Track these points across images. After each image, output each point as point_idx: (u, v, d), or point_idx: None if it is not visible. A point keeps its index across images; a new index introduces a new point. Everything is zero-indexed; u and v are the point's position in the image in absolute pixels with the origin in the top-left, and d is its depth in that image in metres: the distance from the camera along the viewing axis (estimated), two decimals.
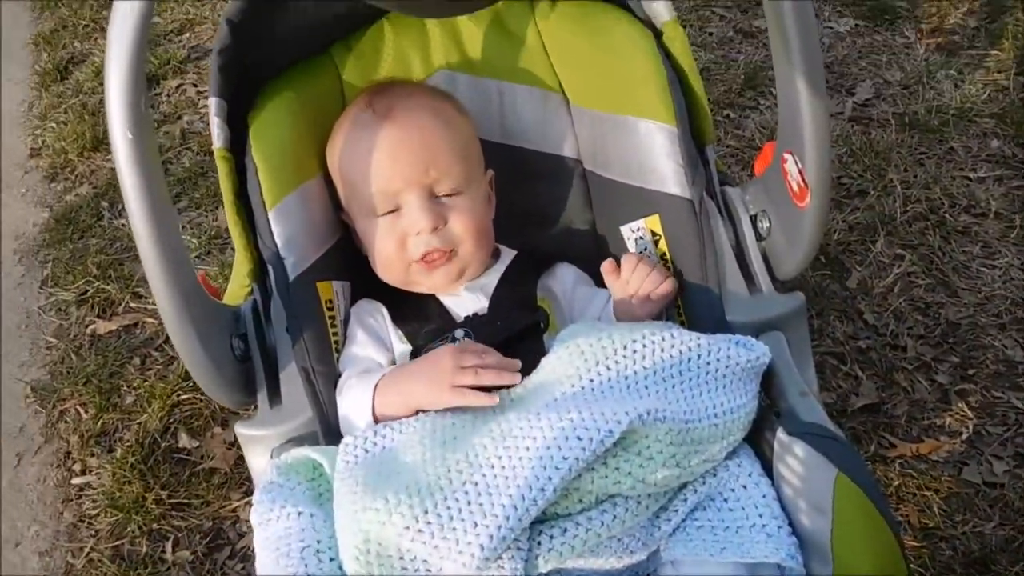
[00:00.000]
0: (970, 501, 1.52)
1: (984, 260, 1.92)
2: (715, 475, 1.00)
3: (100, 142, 2.49)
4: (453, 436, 0.97)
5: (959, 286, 1.87)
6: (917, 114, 2.27)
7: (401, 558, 0.90)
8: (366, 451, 1.00)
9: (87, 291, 2.08)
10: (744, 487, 0.99)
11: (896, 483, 1.55)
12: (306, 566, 0.92)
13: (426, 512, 0.88)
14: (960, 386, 1.70)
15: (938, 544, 1.47)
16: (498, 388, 1.02)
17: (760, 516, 0.96)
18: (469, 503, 0.88)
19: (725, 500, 0.99)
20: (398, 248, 1.18)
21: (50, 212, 2.36)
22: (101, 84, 2.69)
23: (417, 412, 1.04)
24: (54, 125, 2.61)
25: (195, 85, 2.66)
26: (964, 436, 1.62)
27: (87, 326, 2.01)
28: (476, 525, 0.86)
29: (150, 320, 1.99)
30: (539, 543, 0.90)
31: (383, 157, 1.17)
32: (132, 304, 2.04)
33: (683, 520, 0.99)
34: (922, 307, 1.84)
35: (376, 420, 1.06)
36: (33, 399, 1.89)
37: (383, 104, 1.20)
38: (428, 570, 0.90)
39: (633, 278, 1.16)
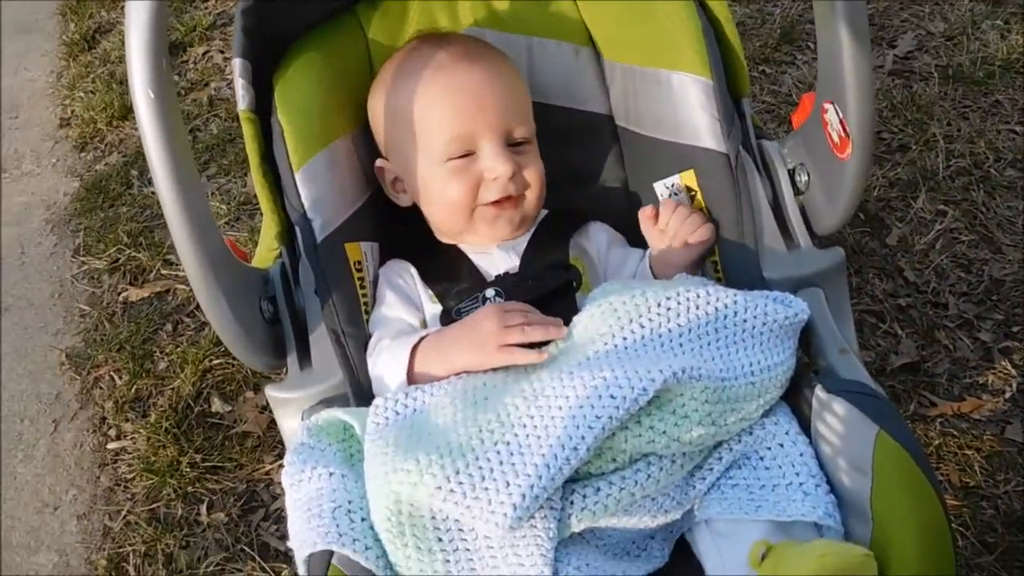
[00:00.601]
0: (1013, 460, 1.49)
1: None
2: (751, 433, 0.98)
3: (128, 111, 2.50)
4: (484, 396, 0.96)
5: (1003, 242, 1.81)
6: (961, 66, 2.19)
7: (433, 518, 0.90)
8: (397, 413, 0.99)
9: (119, 259, 2.10)
10: (781, 445, 0.97)
11: (936, 442, 1.52)
12: (338, 526, 0.92)
13: (457, 472, 0.87)
14: (1004, 344, 1.66)
15: (979, 503, 1.44)
16: (545, 344, 1.00)
17: (797, 474, 0.95)
18: (501, 463, 0.87)
19: (761, 458, 0.97)
20: (468, 192, 1.16)
21: (80, 181, 2.37)
22: None
23: (455, 375, 1.03)
24: (82, 95, 2.62)
25: (221, 51, 2.65)
26: (1007, 394, 1.58)
27: (119, 293, 2.03)
28: (508, 485, 0.85)
29: (181, 287, 2.00)
30: (572, 502, 0.90)
31: (467, 100, 1.15)
32: (163, 271, 2.05)
33: (718, 479, 0.97)
34: (965, 264, 1.79)
35: (410, 382, 1.05)
36: (68, 366, 1.92)
37: (457, 47, 1.19)
38: (460, 530, 0.90)
39: (672, 221, 1.15)
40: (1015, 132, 2.03)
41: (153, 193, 2.24)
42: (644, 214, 1.18)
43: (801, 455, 0.96)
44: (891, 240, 1.85)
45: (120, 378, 1.85)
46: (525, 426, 0.89)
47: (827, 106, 1.05)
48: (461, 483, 0.87)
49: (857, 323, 1.67)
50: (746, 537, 0.90)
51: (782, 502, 0.93)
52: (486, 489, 0.86)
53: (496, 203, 1.16)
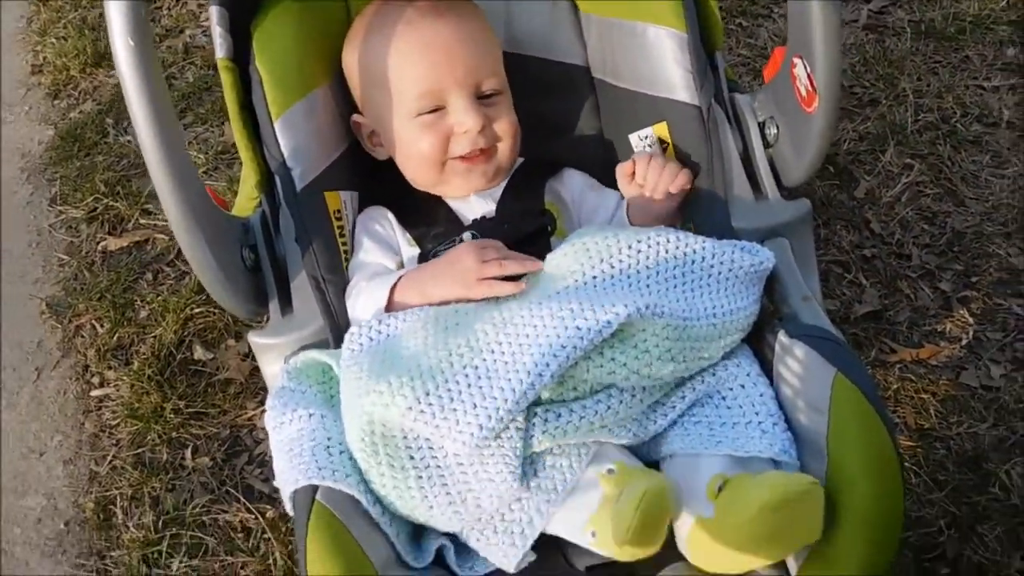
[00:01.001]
0: (966, 403, 1.56)
1: (993, 169, 1.91)
2: (714, 374, 1.03)
3: (102, 57, 2.46)
4: (456, 322, 1.00)
5: (967, 195, 1.87)
6: (934, 21, 2.22)
7: (404, 437, 0.95)
8: (371, 339, 1.03)
9: (96, 208, 2.09)
10: (742, 386, 1.02)
11: (895, 387, 1.59)
12: (317, 461, 0.97)
13: (427, 394, 0.92)
14: (962, 293, 1.73)
15: (933, 444, 1.52)
16: (521, 277, 1.05)
17: (756, 414, 1.00)
18: (469, 386, 0.92)
19: (723, 398, 1.02)
20: (439, 146, 1.18)
21: (55, 130, 2.35)
22: None
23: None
24: (54, 41, 2.57)
25: None
26: (964, 342, 1.65)
27: (98, 243, 2.04)
28: (475, 407, 0.90)
29: (160, 236, 2.01)
30: (534, 424, 0.94)
31: (435, 56, 1.16)
32: (142, 221, 2.05)
33: (681, 416, 1.02)
34: (929, 216, 1.85)
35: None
36: (49, 315, 1.93)
37: (425, 3, 1.19)
38: (431, 448, 0.95)
39: (649, 175, 1.17)
40: (982, 88, 2.07)
41: (129, 142, 2.23)
42: (621, 171, 1.21)
43: (761, 396, 1.01)
44: (859, 193, 1.89)
45: (101, 326, 1.87)
46: (493, 352, 0.94)
47: (796, 60, 1.08)
48: (431, 404, 0.92)
49: (824, 273, 1.73)
50: (706, 471, 0.95)
51: (740, 439, 0.98)
52: (454, 410, 0.91)
53: (466, 157, 1.18)
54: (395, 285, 1.10)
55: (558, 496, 0.94)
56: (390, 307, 1.09)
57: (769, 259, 1.09)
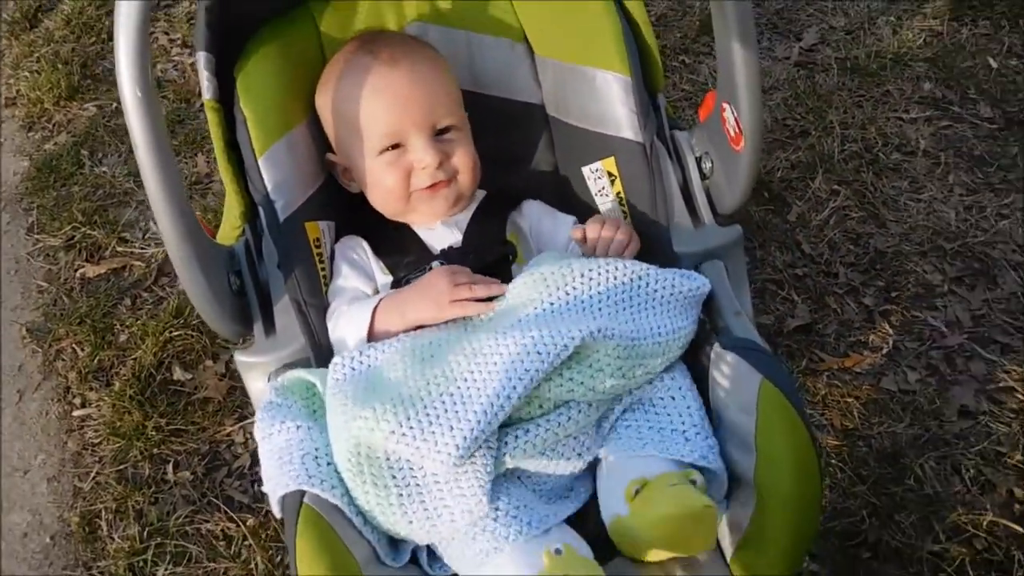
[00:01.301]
0: (886, 406, 1.72)
1: (911, 194, 2.10)
2: (650, 382, 1.15)
3: (75, 91, 2.54)
4: (431, 354, 1.11)
5: (888, 218, 2.04)
6: (858, 58, 2.41)
7: (388, 459, 1.04)
8: (353, 369, 1.12)
9: (74, 236, 2.17)
10: (672, 398, 1.14)
11: (823, 392, 1.74)
12: (307, 469, 1.05)
13: (408, 419, 1.02)
14: (884, 307, 1.89)
15: (856, 443, 1.66)
16: (491, 299, 1.16)
17: (683, 423, 1.12)
18: (446, 411, 1.02)
19: (654, 406, 1.14)
20: (402, 180, 1.29)
21: (30, 161, 2.41)
22: (72, 32, 2.75)
23: (412, 329, 1.17)
24: (27, 74, 2.63)
25: (166, 33, 2.70)
26: (884, 351, 1.81)
27: (76, 270, 2.11)
28: (452, 428, 1.00)
29: (137, 263, 2.09)
30: (506, 443, 1.05)
31: (392, 101, 1.27)
32: (119, 248, 2.13)
33: (616, 421, 1.14)
34: (854, 237, 2.02)
35: (371, 336, 1.19)
36: (29, 339, 2.00)
37: (385, 51, 1.30)
38: (411, 468, 1.04)
39: (600, 245, 1.25)
40: (902, 119, 2.26)
41: (105, 172, 2.31)
42: (575, 234, 1.28)
43: (688, 408, 1.13)
44: (791, 216, 2.06)
45: (82, 350, 1.94)
46: (466, 379, 1.04)
47: (725, 105, 1.22)
48: (412, 428, 1.01)
49: (759, 291, 1.89)
50: (627, 473, 1.07)
51: (666, 442, 1.10)
52: (433, 432, 1.00)
53: (430, 187, 1.30)
54: (376, 308, 1.20)
55: (506, 545, 1.01)
56: (372, 327, 1.19)
57: (705, 284, 1.21)
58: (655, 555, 1.06)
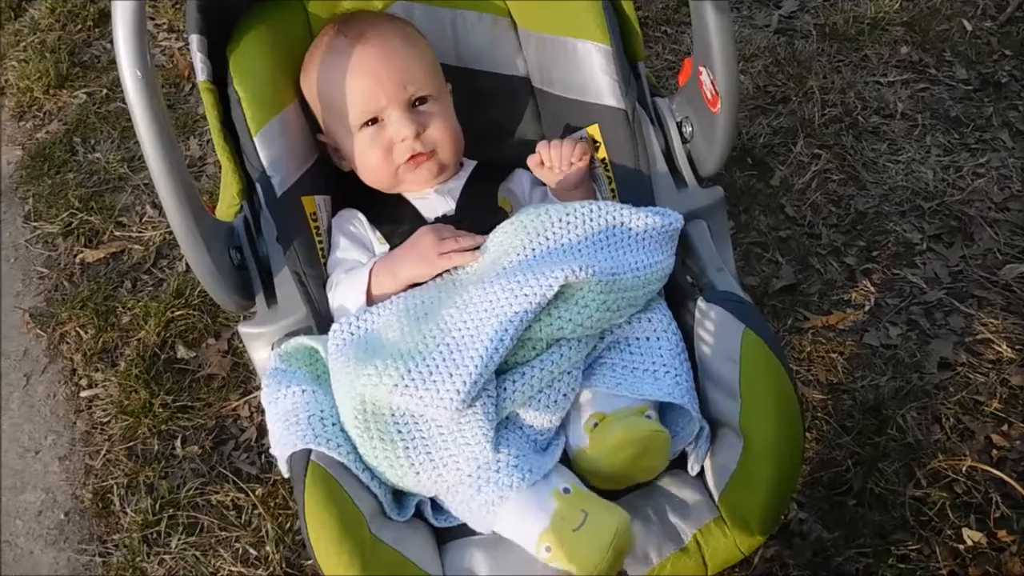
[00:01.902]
0: (868, 360, 1.78)
1: (890, 156, 2.15)
2: (630, 323, 1.20)
3: (64, 79, 2.56)
4: (424, 312, 1.16)
5: (868, 180, 2.10)
6: (836, 24, 2.45)
7: (392, 413, 1.09)
8: (352, 334, 1.17)
9: (71, 223, 2.20)
10: (647, 339, 1.19)
11: (808, 349, 1.79)
12: (313, 429, 1.10)
13: (409, 372, 1.07)
14: (865, 266, 1.94)
15: (840, 396, 1.72)
16: (475, 249, 1.21)
17: (653, 363, 1.17)
18: (444, 360, 1.07)
19: (629, 346, 1.19)
20: (384, 155, 1.34)
21: (23, 150, 2.43)
22: (57, 21, 2.76)
23: (406, 289, 1.23)
24: (15, 64, 2.65)
25: (152, 19, 2.71)
26: (867, 308, 1.86)
27: (75, 255, 2.14)
28: (452, 376, 1.05)
29: (136, 247, 2.13)
30: (504, 388, 1.11)
31: (364, 77, 1.32)
32: (117, 233, 2.16)
33: (598, 358, 1.19)
34: (835, 199, 2.07)
35: (369, 299, 1.24)
36: (33, 324, 2.03)
37: (355, 31, 1.35)
38: (415, 421, 1.09)
39: (553, 155, 1.32)
40: (880, 83, 2.31)
41: (99, 159, 2.34)
42: (532, 161, 1.35)
43: (659, 348, 1.18)
44: (774, 181, 2.10)
45: (86, 333, 1.98)
46: (460, 329, 1.10)
47: (701, 69, 1.27)
48: (413, 380, 1.06)
49: (744, 254, 1.94)
50: (592, 410, 1.14)
51: (636, 383, 1.15)
52: (434, 382, 1.06)
53: (411, 159, 1.34)
54: (371, 271, 1.25)
55: (511, 492, 1.04)
56: (369, 290, 1.24)
57: (678, 220, 1.25)
58: (616, 483, 1.13)
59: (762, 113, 2.24)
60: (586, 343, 1.17)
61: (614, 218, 1.22)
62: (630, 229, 1.21)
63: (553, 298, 1.11)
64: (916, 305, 1.87)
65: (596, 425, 1.12)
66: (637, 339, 1.20)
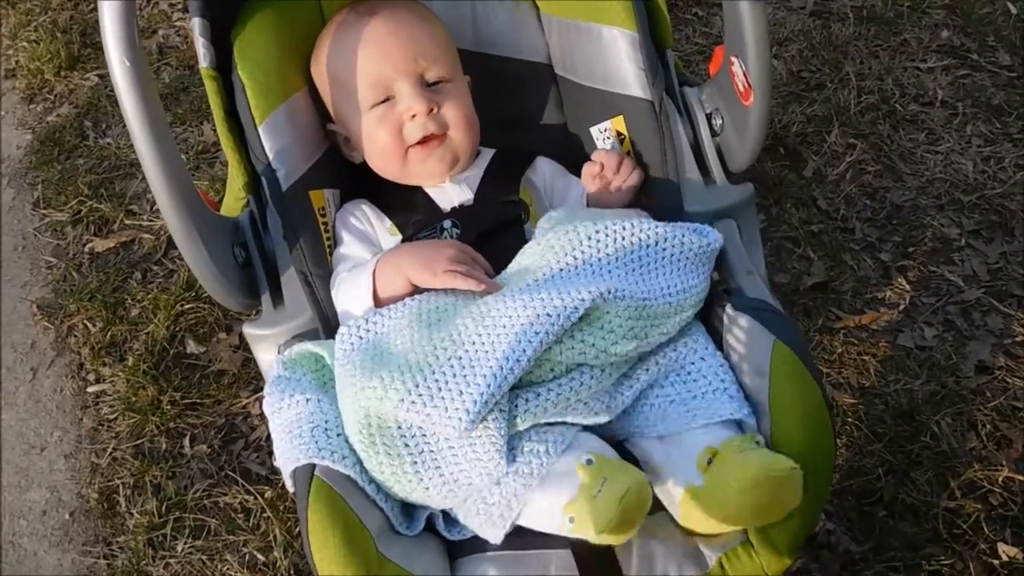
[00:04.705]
0: (902, 363, 1.70)
1: (928, 146, 2.05)
2: (675, 350, 1.13)
3: (76, 60, 2.51)
4: (438, 319, 1.09)
5: (904, 171, 2.00)
6: (875, 7, 2.35)
7: (399, 427, 1.03)
8: (360, 338, 1.11)
9: (80, 211, 2.16)
10: (702, 359, 1.12)
11: (840, 350, 1.72)
12: (316, 442, 1.05)
13: (417, 386, 1.00)
14: (900, 263, 1.86)
15: (872, 400, 1.65)
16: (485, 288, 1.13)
17: (722, 381, 1.09)
18: (455, 375, 1.01)
19: (688, 373, 1.11)
20: (394, 135, 1.27)
21: (33, 134, 2.39)
22: (70, 0, 2.69)
23: (413, 288, 1.15)
24: (26, 44, 2.60)
25: None
26: (901, 307, 1.79)
27: (85, 245, 2.10)
28: (462, 394, 0.99)
29: (147, 236, 2.08)
30: (516, 405, 1.04)
31: (373, 50, 1.26)
32: (127, 221, 2.12)
33: (656, 398, 1.11)
34: (870, 192, 1.98)
35: (376, 300, 1.17)
36: (40, 316, 2.00)
37: (365, 7, 1.29)
38: (423, 435, 1.03)
39: (607, 171, 1.27)
40: (919, 69, 2.21)
41: (110, 144, 2.29)
42: (588, 172, 1.30)
43: (721, 366, 1.11)
44: (807, 172, 2.02)
45: (94, 325, 1.94)
46: (474, 343, 1.02)
47: (733, 59, 1.19)
48: (421, 395, 1.00)
49: (775, 248, 1.86)
50: (690, 445, 1.04)
51: (713, 406, 1.07)
52: (443, 398, 0.99)
53: (422, 143, 1.27)
54: (376, 267, 1.18)
55: (534, 480, 1.00)
56: (375, 287, 1.17)
57: (717, 239, 1.19)
58: (722, 527, 1.03)
59: (795, 100, 2.15)
60: (610, 373, 1.09)
61: (648, 236, 1.14)
62: (664, 250, 1.14)
63: (578, 320, 1.04)
64: (953, 304, 1.79)
65: (711, 462, 1.01)
66: (692, 363, 1.12)
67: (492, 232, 1.21)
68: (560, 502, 0.98)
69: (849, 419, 1.63)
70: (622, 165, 1.29)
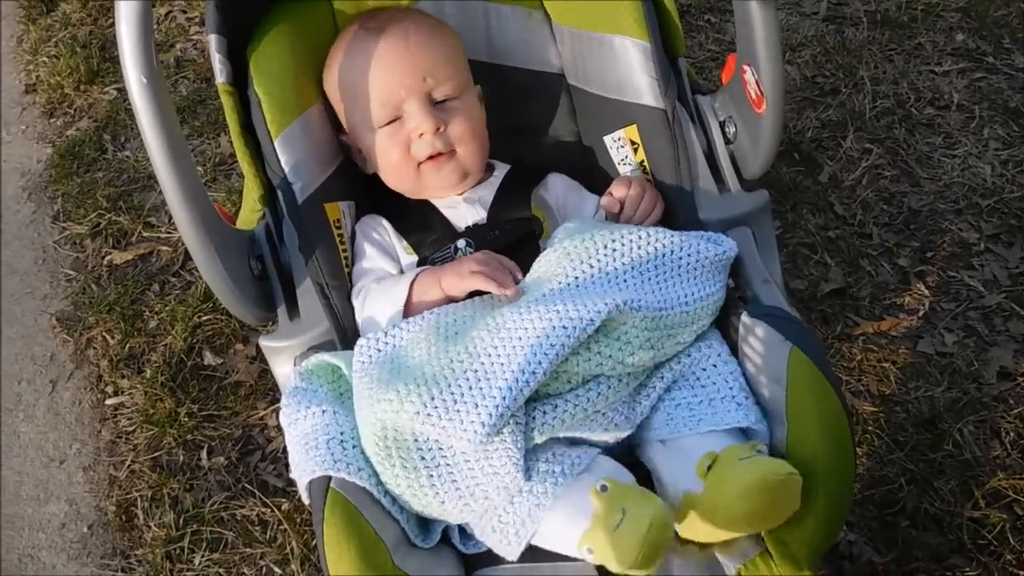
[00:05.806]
0: (923, 369, 1.68)
1: (945, 150, 2.03)
2: (688, 355, 1.13)
3: (95, 75, 2.54)
4: (455, 332, 1.10)
5: (921, 176, 1.99)
6: (888, 11, 2.33)
7: (415, 440, 1.03)
8: (378, 351, 1.12)
9: (99, 223, 2.18)
10: (714, 366, 1.12)
11: (859, 357, 1.70)
12: (332, 454, 1.05)
13: (432, 399, 1.00)
14: (919, 268, 1.85)
15: (893, 408, 1.63)
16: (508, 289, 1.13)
17: (730, 388, 1.09)
18: (471, 388, 1.00)
19: (697, 379, 1.12)
20: (403, 153, 1.28)
21: (53, 148, 2.42)
22: (89, 15, 2.74)
23: (444, 299, 1.16)
24: (46, 59, 2.64)
25: (184, 12, 2.68)
26: (921, 313, 1.77)
27: (103, 257, 2.12)
28: (477, 406, 0.99)
29: (165, 248, 2.10)
30: (534, 418, 1.04)
31: (382, 68, 1.27)
32: (145, 234, 2.14)
33: (662, 402, 1.11)
34: (887, 196, 1.96)
35: (407, 309, 1.18)
36: (60, 329, 2.02)
37: (375, 24, 1.30)
38: (440, 448, 1.03)
39: (626, 208, 1.26)
40: (934, 73, 2.19)
41: (128, 157, 2.32)
42: (605, 206, 1.28)
43: (732, 373, 1.11)
44: (823, 177, 2.01)
45: (112, 338, 1.96)
46: (490, 355, 1.02)
47: (745, 67, 1.18)
48: (436, 408, 1.00)
49: (791, 255, 1.85)
50: (691, 450, 1.04)
51: (719, 413, 1.07)
52: (458, 411, 0.99)
53: (431, 159, 1.28)
54: (414, 281, 1.19)
55: (548, 500, 1.00)
56: (409, 300, 1.18)
57: (732, 248, 1.19)
58: (722, 535, 1.02)
59: (810, 105, 2.14)
60: (627, 383, 1.09)
61: (663, 246, 1.14)
62: (680, 259, 1.14)
63: (594, 332, 1.03)
64: (973, 310, 1.77)
65: (710, 468, 1.01)
66: (704, 370, 1.12)
67: (507, 250, 1.21)
68: (574, 533, 0.98)
69: (870, 427, 1.61)
70: (643, 200, 1.26)
